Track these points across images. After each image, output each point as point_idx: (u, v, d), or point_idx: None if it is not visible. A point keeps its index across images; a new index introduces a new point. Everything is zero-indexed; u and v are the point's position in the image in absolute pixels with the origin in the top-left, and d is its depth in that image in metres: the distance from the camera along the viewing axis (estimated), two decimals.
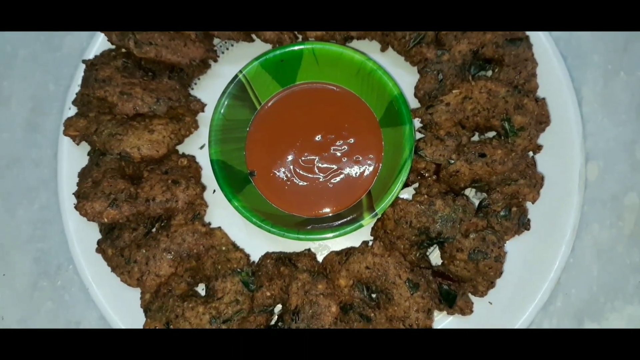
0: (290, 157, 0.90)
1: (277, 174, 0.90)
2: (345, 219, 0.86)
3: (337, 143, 0.90)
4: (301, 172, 0.90)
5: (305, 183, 0.90)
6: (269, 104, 0.92)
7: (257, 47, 0.93)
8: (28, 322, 0.95)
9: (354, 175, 0.89)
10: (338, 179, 0.89)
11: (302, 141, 0.90)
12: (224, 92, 0.87)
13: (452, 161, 0.84)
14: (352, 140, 0.89)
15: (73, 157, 0.92)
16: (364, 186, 0.89)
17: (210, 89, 0.95)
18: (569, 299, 0.92)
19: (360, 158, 0.89)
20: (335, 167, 0.89)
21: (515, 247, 0.88)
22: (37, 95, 1.01)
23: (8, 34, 1.03)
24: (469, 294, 0.85)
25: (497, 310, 0.86)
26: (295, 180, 0.89)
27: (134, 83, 0.86)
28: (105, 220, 0.82)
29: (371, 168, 0.89)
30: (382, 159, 0.88)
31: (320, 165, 0.90)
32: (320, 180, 0.89)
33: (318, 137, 0.90)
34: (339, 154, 0.89)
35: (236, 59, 0.95)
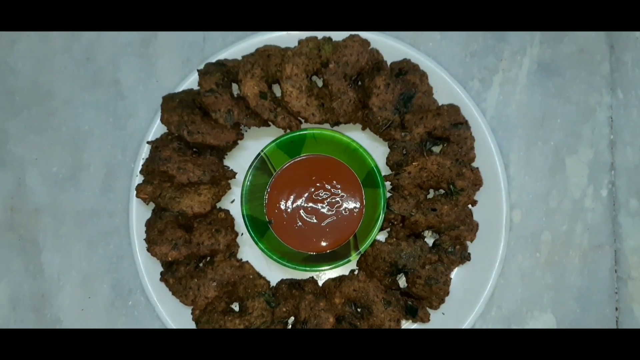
0: (297, 209, 1.09)
1: (288, 221, 1.09)
2: (338, 255, 1.07)
3: (332, 198, 1.09)
4: (306, 219, 1.09)
5: (308, 228, 1.09)
6: (281, 170, 1.11)
7: (271, 129, 1.12)
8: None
9: (344, 222, 1.09)
10: (333, 224, 1.09)
11: (306, 197, 1.10)
12: (250, 166, 1.07)
13: (413, 214, 1.05)
14: (343, 196, 1.10)
15: (139, 211, 1.13)
16: (351, 230, 1.09)
17: (238, 158, 1.15)
18: (501, 310, 1.14)
19: (348, 210, 1.09)
20: (330, 215, 1.10)
21: (460, 273, 1.10)
22: (109, 163, 1.19)
23: (86, 116, 1.23)
24: (427, 308, 1.06)
25: (448, 318, 1.10)
26: (301, 226, 1.09)
27: (187, 160, 1.07)
28: (169, 259, 1.04)
29: (356, 217, 1.09)
30: (364, 211, 1.10)
31: (319, 214, 1.09)
32: (321, 225, 1.09)
33: (317, 194, 1.10)
34: (333, 207, 1.10)
35: (256, 136, 1.14)
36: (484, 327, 1.14)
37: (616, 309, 1.15)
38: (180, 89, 1.15)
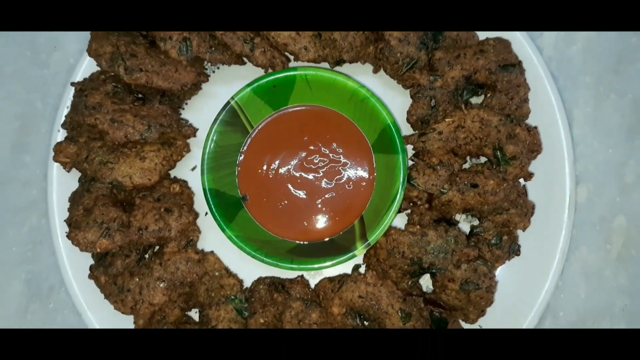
0: (283, 180, 0.91)
1: (270, 197, 0.91)
2: (337, 246, 0.88)
3: (331, 166, 0.91)
4: (294, 194, 0.91)
5: (297, 206, 0.91)
6: (261, 126, 0.92)
7: (246, 68, 0.93)
8: None
9: (347, 200, 0.91)
10: (331, 203, 0.91)
11: (295, 164, 0.91)
12: (215, 120, 0.88)
13: (445, 191, 0.86)
14: (345, 164, 0.92)
15: (63, 180, 0.94)
16: (357, 211, 0.91)
17: (200, 109, 0.98)
18: (557, 320, 0.95)
19: (353, 183, 0.91)
20: (327, 190, 0.91)
21: (505, 271, 0.93)
22: (24, 114, 1.01)
23: None
24: (460, 321, 0.88)
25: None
26: (287, 204, 0.91)
27: (125, 109, 0.87)
28: (98, 250, 0.84)
29: (364, 193, 0.91)
30: (374, 185, 0.90)
31: (312, 188, 0.91)
32: (314, 203, 0.90)
33: (311, 159, 0.92)
34: (332, 178, 0.91)
35: (226, 78, 0.97)
36: None
37: None
38: None
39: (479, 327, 0.89)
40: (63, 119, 0.94)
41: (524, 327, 0.90)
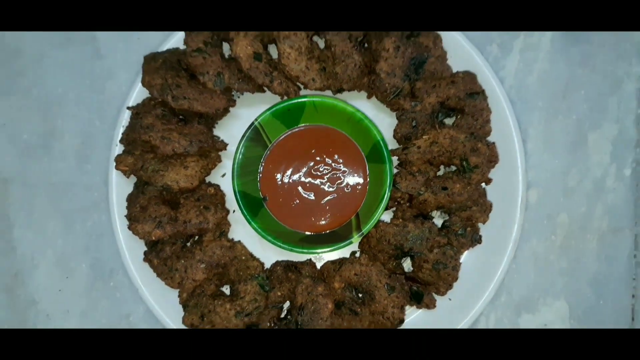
0: (294, 185, 1.04)
1: (285, 198, 1.04)
2: (338, 236, 1.03)
3: (333, 174, 1.04)
4: (304, 196, 1.04)
5: (306, 205, 1.04)
6: (278, 142, 1.05)
7: (266, 96, 1.06)
8: (88, 315, 1.12)
9: (345, 200, 1.04)
10: (333, 202, 1.04)
11: (305, 172, 1.04)
12: (243, 137, 1.02)
13: (422, 192, 1.00)
14: (345, 172, 1.04)
15: (120, 185, 1.06)
16: (354, 209, 1.04)
17: (229, 128, 1.09)
18: (511, 296, 1.10)
19: (351, 187, 1.04)
20: (331, 192, 1.04)
21: (470, 256, 1.06)
22: (85, 131, 1.13)
23: (59, 77, 1.14)
24: (433, 294, 1.03)
25: (455, 304, 1.05)
26: (299, 203, 1.04)
27: (172, 129, 1.02)
28: (153, 238, 0.99)
29: (359, 195, 1.04)
30: (367, 188, 1.04)
31: (318, 191, 1.04)
32: (320, 203, 1.04)
33: (317, 168, 1.04)
34: (334, 183, 1.04)
35: (249, 103, 1.08)
36: (493, 313, 1.12)
37: (633, 296, 1.11)
38: (164, 48, 1.08)
39: (448, 300, 1.05)
40: (119, 135, 1.06)
41: (483, 299, 1.03)
